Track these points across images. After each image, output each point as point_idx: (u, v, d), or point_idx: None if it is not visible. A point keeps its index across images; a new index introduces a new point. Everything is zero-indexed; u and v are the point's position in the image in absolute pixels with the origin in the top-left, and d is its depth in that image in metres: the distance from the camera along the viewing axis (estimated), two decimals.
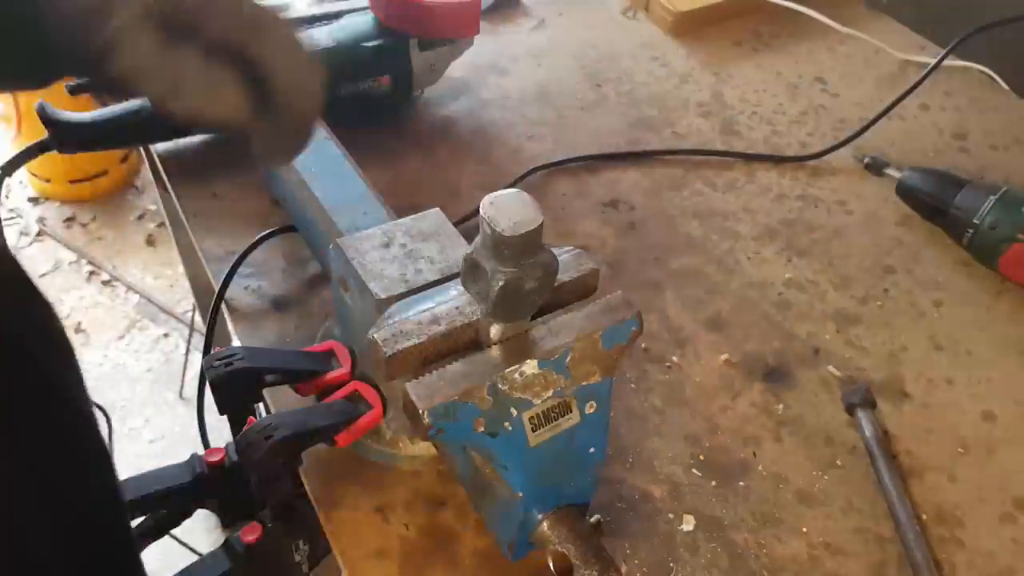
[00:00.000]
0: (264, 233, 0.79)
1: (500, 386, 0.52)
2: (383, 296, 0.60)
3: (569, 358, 0.54)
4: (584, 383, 0.55)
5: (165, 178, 0.90)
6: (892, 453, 0.71)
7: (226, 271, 0.77)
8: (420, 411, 0.50)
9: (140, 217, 2.57)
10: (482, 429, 0.52)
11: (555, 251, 0.61)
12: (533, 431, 0.54)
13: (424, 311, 0.56)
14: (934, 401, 0.76)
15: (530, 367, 0.53)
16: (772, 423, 0.73)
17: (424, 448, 0.66)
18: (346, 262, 0.63)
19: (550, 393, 0.54)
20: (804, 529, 0.66)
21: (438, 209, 0.68)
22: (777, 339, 0.80)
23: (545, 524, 0.55)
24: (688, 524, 0.66)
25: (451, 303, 0.57)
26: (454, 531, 0.64)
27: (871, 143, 0.99)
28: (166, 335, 2.28)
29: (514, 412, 0.53)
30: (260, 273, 0.80)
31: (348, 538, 0.63)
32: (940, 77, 1.02)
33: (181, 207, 0.87)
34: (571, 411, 0.55)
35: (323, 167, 0.74)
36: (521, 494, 0.54)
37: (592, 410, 0.56)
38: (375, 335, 0.54)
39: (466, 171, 0.94)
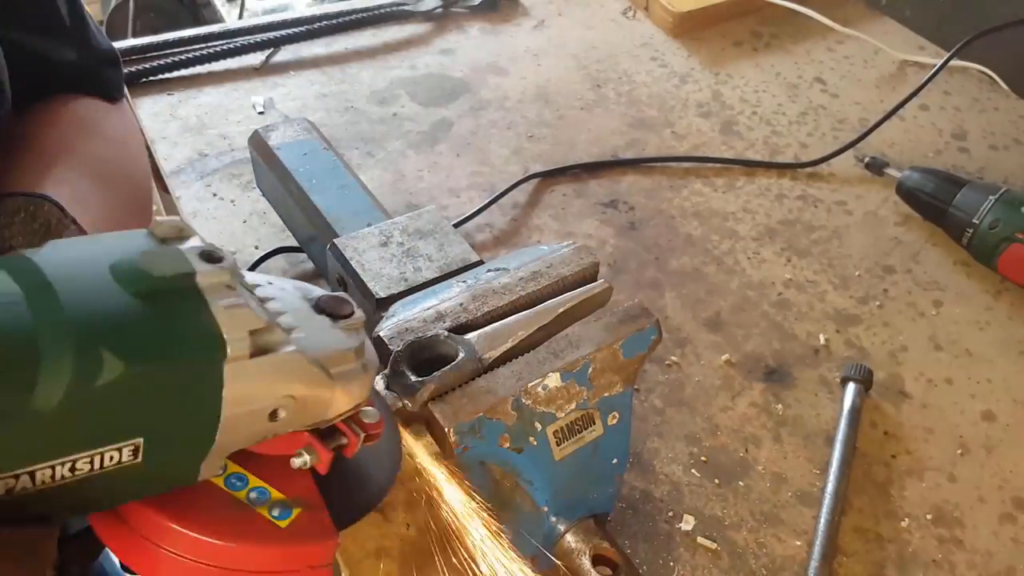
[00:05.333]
0: (271, 250, 0.80)
1: (524, 400, 0.51)
2: (383, 295, 0.60)
3: (591, 370, 0.54)
4: (606, 394, 0.55)
5: (165, 178, 0.90)
6: (855, 442, 0.72)
7: None
8: (446, 429, 0.49)
9: None
10: (507, 445, 0.51)
11: (555, 246, 0.61)
12: (558, 445, 0.53)
13: (428, 308, 0.56)
14: (934, 401, 0.76)
15: (553, 380, 0.52)
16: (772, 423, 0.73)
17: (425, 446, 0.66)
18: (344, 262, 0.63)
19: (573, 406, 0.53)
20: (804, 529, 0.66)
21: (434, 206, 0.68)
22: (777, 339, 0.80)
23: (569, 535, 0.55)
24: (688, 524, 0.66)
25: (454, 300, 0.57)
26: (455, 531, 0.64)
27: (871, 143, 0.99)
28: None
29: (538, 426, 0.52)
30: (259, 273, 0.80)
31: (348, 537, 0.63)
32: (940, 77, 1.02)
33: (181, 207, 0.87)
34: (595, 423, 0.55)
35: (323, 178, 0.74)
36: (546, 508, 0.54)
37: (615, 421, 0.55)
38: (381, 333, 0.54)
39: (466, 171, 0.94)
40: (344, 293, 0.41)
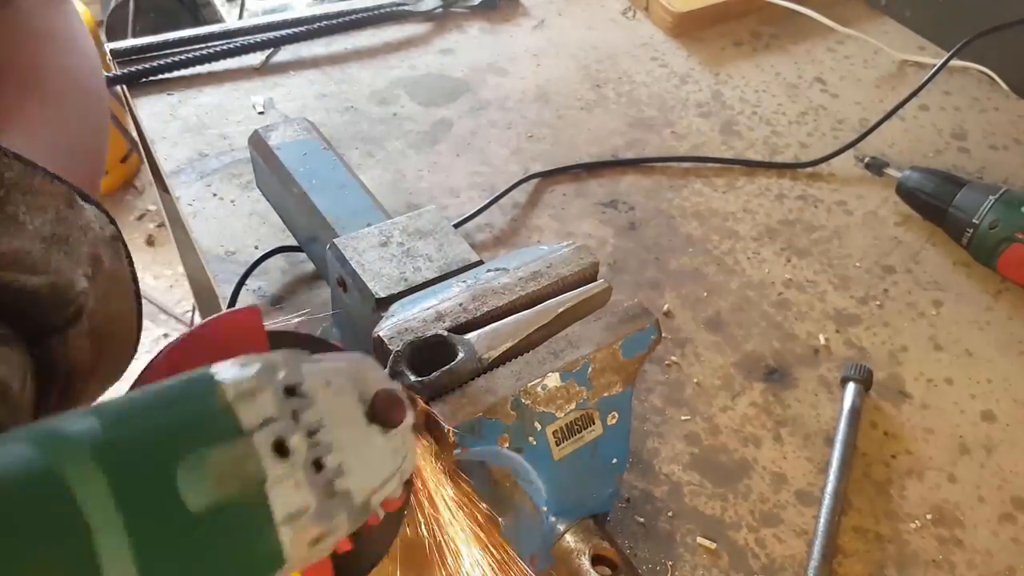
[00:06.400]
0: (270, 250, 0.80)
1: (523, 400, 0.51)
2: (383, 295, 0.60)
3: (591, 369, 0.54)
4: (606, 394, 0.55)
5: (165, 178, 0.90)
6: (855, 442, 0.72)
7: (224, 273, 0.77)
8: (445, 430, 0.49)
9: (140, 217, 2.57)
10: (507, 445, 0.51)
11: (555, 246, 0.61)
12: (557, 445, 0.53)
13: (427, 308, 0.56)
14: (934, 401, 0.76)
15: (552, 380, 0.52)
16: (772, 423, 0.73)
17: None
18: (344, 262, 0.63)
19: (573, 406, 0.53)
20: (804, 529, 0.66)
21: (434, 206, 0.68)
22: (777, 339, 0.80)
23: (569, 535, 0.55)
24: (688, 524, 0.66)
25: (454, 300, 0.57)
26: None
27: (871, 143, 0.99)
28: (166, 335, 2.28)
29: (538, 426, 0.52)
30: (260, 273, 0.80)
31: None
32: (940, 77, 1.02)
33: (181, 207, 0.87)
34: (594, 423, 0.55)
35: (323, 178, 0.74)
36: (545, 508, 0.54)
37: (614, 421, 0.55)
38: (380, 333, 0.54)
39: (466, 171, 0.94)
40: (400, 389, 0.40)
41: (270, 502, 0.32)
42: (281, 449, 0.33)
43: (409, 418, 0.40)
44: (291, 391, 0.35)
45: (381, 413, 0.38)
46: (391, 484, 0.38)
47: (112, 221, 0.48)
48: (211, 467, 0.31)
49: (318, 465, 0.35)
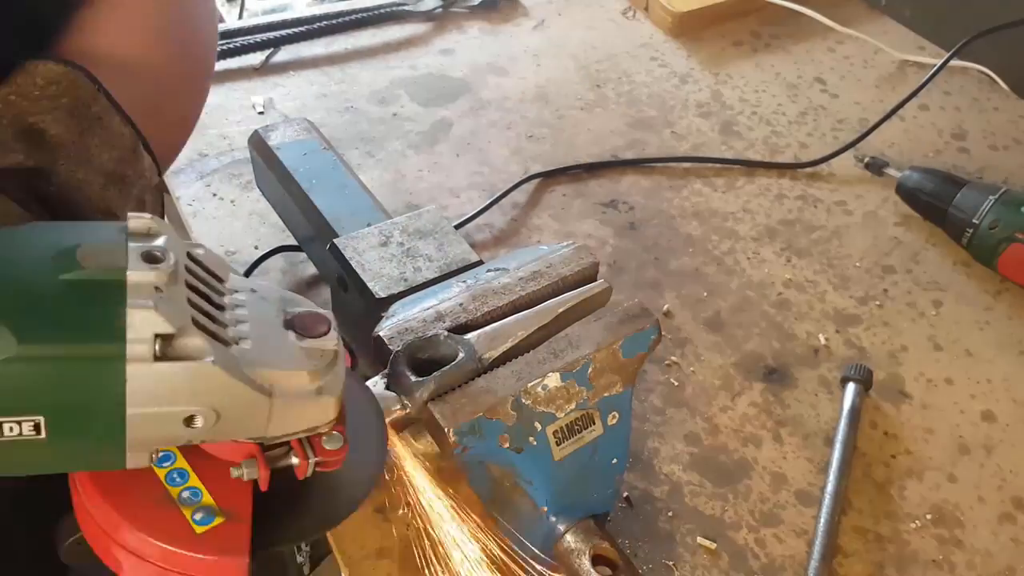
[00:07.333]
0: (270, 250, 0.80)
1: (524, 400, 0.51)
2: (383, 295, 0.60)
3: (591, 370, 0.54)
4: (606, 394, 0.55)
5: (165, 178, 0.90)
6: (855, 442, 0.72)
7: None
8: (445, 430, 0.49)
9: None
10: (507, 445, 0.51)
11: (555, 246, 0.61)
12: (557, 445, 0.53)
13: (427, 308, 0.56)
14: (934, 401, 0.76)
15: (553, 380, 0.52)
16: (772, 423, 0.73)
17: (424, 447, 0.66)
18: (344, 262, 0.63)
19: (573, 406, 0.53)
20: (804, 529, 0.66)
21: (434, 206, 0.68)
22: (777, 339, 0.80)
23: (569, 535, 0.55)
24: (688, 524, 0.66)
25: (454, 300, 0.57)
26: None
27: (871, 143, 0.99)
28: None
29: (538, 426, 0.52)
30: (260, 273, 0.80)
31: (348, 538, 0.63)
32: (940, 77, 1.02)
33: (181, 207, 0.87)
34: (594, 423, 0.55)
35: (323, 178, 0.74)
36: (546, 508, 0.54)
37: (615, 421, 0.56)
38: (380, 333, 0.54)
39: (466, 171, 0.94)
40: (327, 313, 0.40)
41: (126, 287, 0.34)
42: (151, 258, 0.35)
43: (331, 336, 0.39)
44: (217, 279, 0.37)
45: (297, 324, 0.39)
46: (298, 385, 0.37)
47: (160, 173, 0.53)
48: (81, 252, 0.34)
49: (216, 306, 0.37)
